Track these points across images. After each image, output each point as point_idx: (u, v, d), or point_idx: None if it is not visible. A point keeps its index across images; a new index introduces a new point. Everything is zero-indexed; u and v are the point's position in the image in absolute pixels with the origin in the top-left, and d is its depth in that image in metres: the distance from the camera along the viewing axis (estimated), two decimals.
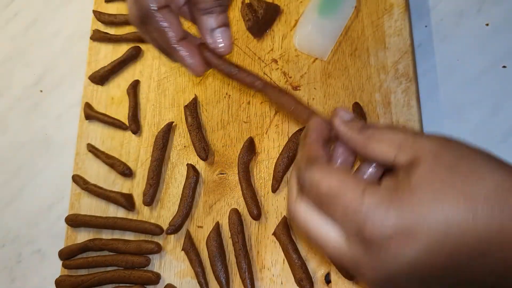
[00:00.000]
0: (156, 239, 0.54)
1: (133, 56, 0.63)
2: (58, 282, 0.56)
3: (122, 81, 0.63)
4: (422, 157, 0.28)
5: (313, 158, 0.31)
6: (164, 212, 0.55)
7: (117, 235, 0.56)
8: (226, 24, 0.38)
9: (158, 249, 0.53)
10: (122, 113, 0.62)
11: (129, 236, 0.56)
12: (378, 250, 0.27)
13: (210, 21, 0.37)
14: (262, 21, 0.56)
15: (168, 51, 0.38)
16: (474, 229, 0.27)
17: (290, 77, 0.54)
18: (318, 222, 0.30)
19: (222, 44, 0.38)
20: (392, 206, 0.27)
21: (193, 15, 0.37)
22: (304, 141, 0.33)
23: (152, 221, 0.55)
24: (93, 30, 0.66)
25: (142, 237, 0.55)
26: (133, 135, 0.60)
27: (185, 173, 0.55)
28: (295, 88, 0.53)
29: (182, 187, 0.54)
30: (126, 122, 0.60)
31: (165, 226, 0.54)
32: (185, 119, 0.57)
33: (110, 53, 0.65)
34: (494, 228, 0.27)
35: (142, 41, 0.63)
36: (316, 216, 0.30)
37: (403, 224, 0.27)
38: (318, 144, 0.32)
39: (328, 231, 0.30)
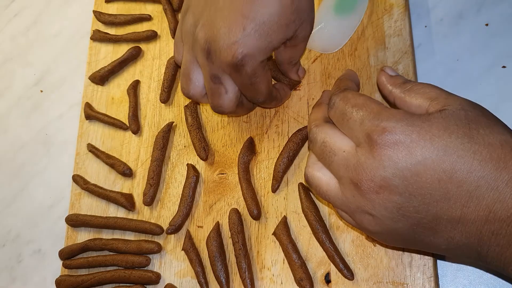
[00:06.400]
0: (156, 239, 0.54)
1: (133, 56, 0.63)
2: (58, 282, 0.56)
3: (122, 81, 0.64)
4: (450, 107, 0.33)
5: (346, 86, 0.40)
6: (164, 212, 0.55)
7: (117, 235, 0.56)
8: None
9: (158, 249, 0.53)
10: (122, 113, 0.62)
11: (129, 236, 0.56)
12: (384, 151, 0.32)
13: (295, 69, 0.51)
14: None
15: (268, 96, 0.47)
16: (468, 165, 0.31)
17: None
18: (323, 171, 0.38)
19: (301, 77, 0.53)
20: (406, 122, 0.33)
21: (281, 68, 0.51)
22: (338, 80, 0.42)
23: (152, 221, 0.55)
24: (93, 30, 0.66)
25: (142, 237, 0.55)
26: (133, 135, 0.60)
27: (185, 173, 0.55)
28: (295, 88, 0.53)
29: (182, 187, 0.54)
30: (126, 122, 0.60)
31: (165, 226, 0.54)
32: (185, 119, 0.57)
33: (110, 53, 0.65)
34: (487, 174, 0.31)
35: (142, 41, 0.63)
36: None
37: (409, 138, 0.32)
38: (350, 80, 0.42)
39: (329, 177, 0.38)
